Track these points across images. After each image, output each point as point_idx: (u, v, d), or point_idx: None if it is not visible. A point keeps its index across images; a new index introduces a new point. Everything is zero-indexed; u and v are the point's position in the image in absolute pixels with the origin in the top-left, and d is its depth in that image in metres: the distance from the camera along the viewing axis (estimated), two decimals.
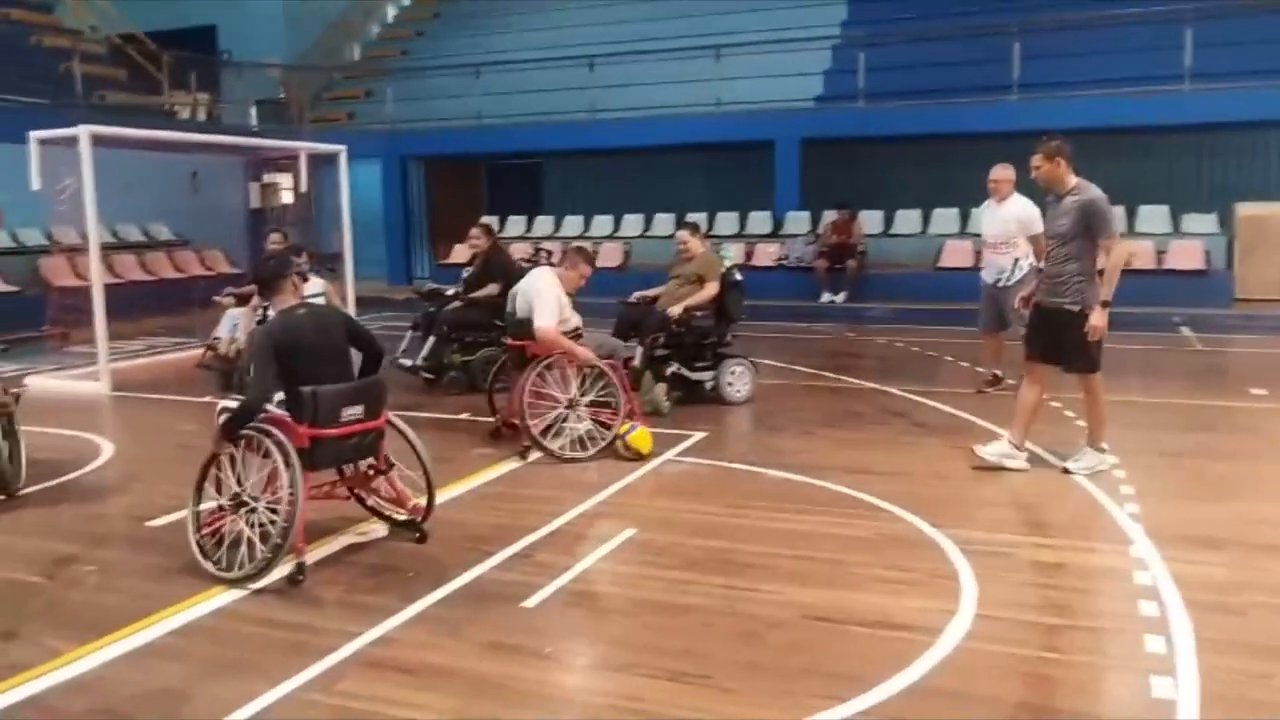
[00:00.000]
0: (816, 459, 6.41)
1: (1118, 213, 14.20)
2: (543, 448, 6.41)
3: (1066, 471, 5.90)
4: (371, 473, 4.97)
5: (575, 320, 6.81)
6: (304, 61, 21.87)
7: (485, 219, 15.35)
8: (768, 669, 3.61)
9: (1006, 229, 8.00)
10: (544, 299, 6.56)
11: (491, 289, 8.66)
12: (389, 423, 4.92)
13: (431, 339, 8.86)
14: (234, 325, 9.00)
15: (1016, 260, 8.04)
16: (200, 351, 9.63)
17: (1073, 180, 5.83)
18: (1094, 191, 5.74)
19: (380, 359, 5.07)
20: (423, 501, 5.01)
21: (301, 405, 4.52)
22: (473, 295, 8.84)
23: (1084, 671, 3.61)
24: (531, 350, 6.60)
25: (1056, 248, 5.89)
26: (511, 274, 8.16)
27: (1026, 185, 7.28)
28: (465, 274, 9.29)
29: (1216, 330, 11.94)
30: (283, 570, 4.55)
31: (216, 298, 9.91)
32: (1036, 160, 5.87)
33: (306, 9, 22.34)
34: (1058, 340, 5.90)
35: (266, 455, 4.49)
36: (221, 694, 3.46)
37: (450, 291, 9.24)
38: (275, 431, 4.48)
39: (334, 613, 4.18)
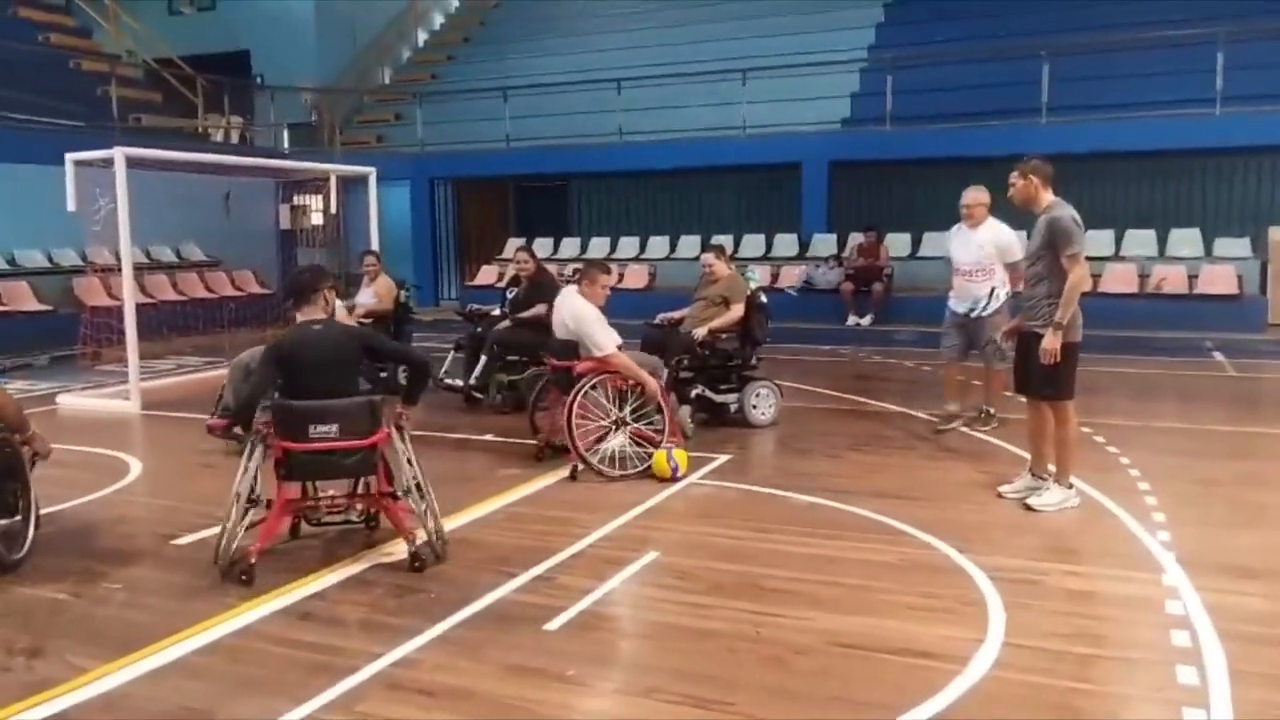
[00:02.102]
0: (842, 483, 6.37)
1: (1145, 237, 14.47)
2: (592, 467, 6.41)
3: (1027, 508, 5.68)
4: (377, 494, 5.00)
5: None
6: (335, 85, 22.16)
7: (515, 240, 15.47)
8: (794, 696, 3.57)
9: (982, 254, 7.51)
10: (591, 323, 6.58)
11: (539, 309, 8.76)
12: (389, 442, 4.90)
13: (483, 359, 8.95)
14: None
15: (993, 289, 7.51)
16: None
17: (1048, 199, 5.69)
18: (1064, 209, 5.57)
19: (423, 369, 5.18)
20: (422, 536, 4.94)
21: (274, 417, 4.75)
22: (520, 316, 8.94)
23: (1114, 703, 3.55)
24: (577, 370, 6.62)
25: (1029, 268, 5.75)
26: (557, 295, 8.27)
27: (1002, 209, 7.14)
28: (510, 295, 9.42)
29: (1249, 356, 11.75)
30: (306, 590, 4.58)
31: None
32: (1013, 177, 5.77)
33: (339, 34, 22.65)
34: (1027, 365, 5.73)
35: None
36: (244, 713, 3.48)
37: (495, 312, 9.34)
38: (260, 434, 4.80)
39: (356, 633, 4.19)
